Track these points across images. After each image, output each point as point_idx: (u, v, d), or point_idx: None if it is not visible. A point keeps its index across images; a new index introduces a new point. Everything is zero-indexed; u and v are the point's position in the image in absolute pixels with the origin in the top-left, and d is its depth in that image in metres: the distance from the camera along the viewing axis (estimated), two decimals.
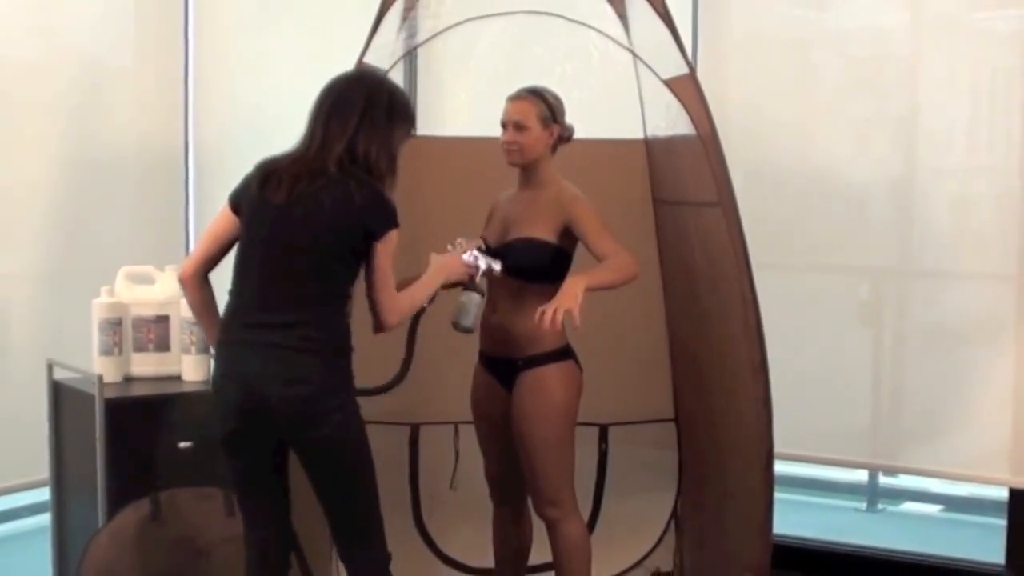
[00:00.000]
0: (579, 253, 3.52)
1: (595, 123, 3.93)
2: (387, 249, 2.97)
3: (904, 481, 5.75)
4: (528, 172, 3.57)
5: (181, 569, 3.58)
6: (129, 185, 4.54)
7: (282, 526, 3.14)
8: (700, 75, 4.39)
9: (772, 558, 3.45)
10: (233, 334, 3.00)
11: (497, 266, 3.39)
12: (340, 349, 3.01)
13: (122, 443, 3.64)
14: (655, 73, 3.73)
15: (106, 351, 3.85)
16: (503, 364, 3.56)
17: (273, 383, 2.91)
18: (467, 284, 3.38)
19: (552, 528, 3.56)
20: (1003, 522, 4.37)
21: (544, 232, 3.48)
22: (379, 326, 3.04)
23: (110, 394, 3.68)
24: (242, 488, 3.10)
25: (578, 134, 3.61)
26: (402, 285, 3.13)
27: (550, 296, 3.23)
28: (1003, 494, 4.37)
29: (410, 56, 4.65)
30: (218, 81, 4.81)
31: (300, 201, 2.94)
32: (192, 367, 3.89)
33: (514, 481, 3.65)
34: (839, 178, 4.53)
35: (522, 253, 3.49)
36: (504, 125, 3.54)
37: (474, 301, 3.38)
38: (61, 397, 3.88)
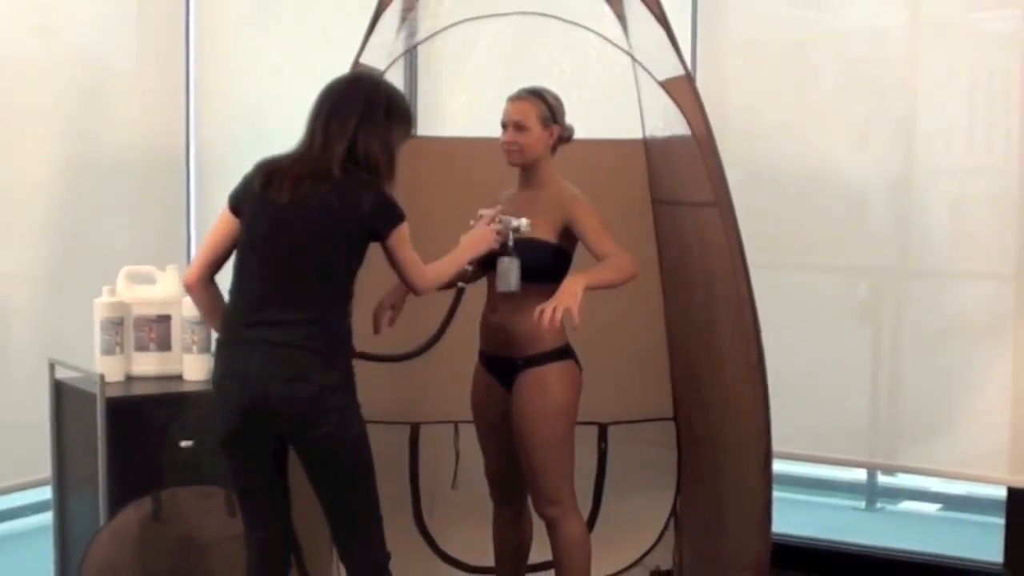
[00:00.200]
0: (579, 253, 3.53)
1: (594, 123, 3.94)
2: (403, 241, 3.05)
3: (903, 480, 5.76)
4: (528, 172, 3.58)
5: (182, 568, 3.59)
6: (131, 185, 4.54)
7: (282, 525, 3.15)
8: (699, 76, 4.42)
9: (771, 557, 3.45)
10: (235, 333, 3.01)
11: (525, 224, 3.41)
12: (342, 349, 3.02)
13: (123, 442, 3.64)
14: (651, 74, 3.74)
15: (108, 350, 3.86)
16: (503, 363, 3.57)
17: (275, 382, 2.93)
18: (501, 251, 3.40)
19: (552, 527, 3.56)
20: (1001, 521, 4.37)
21: (544, 232, 3.48)
22: (417, 292, 3.18)
23: (112, 393, 3.69)
24: (242, 487, 3.11)
25: (578, 134, 3.62)
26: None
27: (550, 296, 3.24)
28: (1001, 493, 4.38)
29: (410, 57, 4.66)
30: (219, 82, 4.80)
31: (305, 201, 2.96)
32: (193, 366, 3.89)
33: (514, 480, 3.66)
34: (838, 178, 4.54)
35: (522, 253, 3.49)
36: (504, 125, 3.54)
37: (508, 265, 3.41)
38: (63, 396, 3.88)
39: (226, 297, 3.09)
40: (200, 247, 3.17)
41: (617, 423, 4.32)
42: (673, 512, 4.34)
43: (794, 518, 4.83)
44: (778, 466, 3.59)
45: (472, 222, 3.41)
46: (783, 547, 3.90)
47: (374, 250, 3.07)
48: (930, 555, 4.61)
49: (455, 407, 3.90)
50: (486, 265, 3.57)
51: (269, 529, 3.12)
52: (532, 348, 3.50)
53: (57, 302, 4.23)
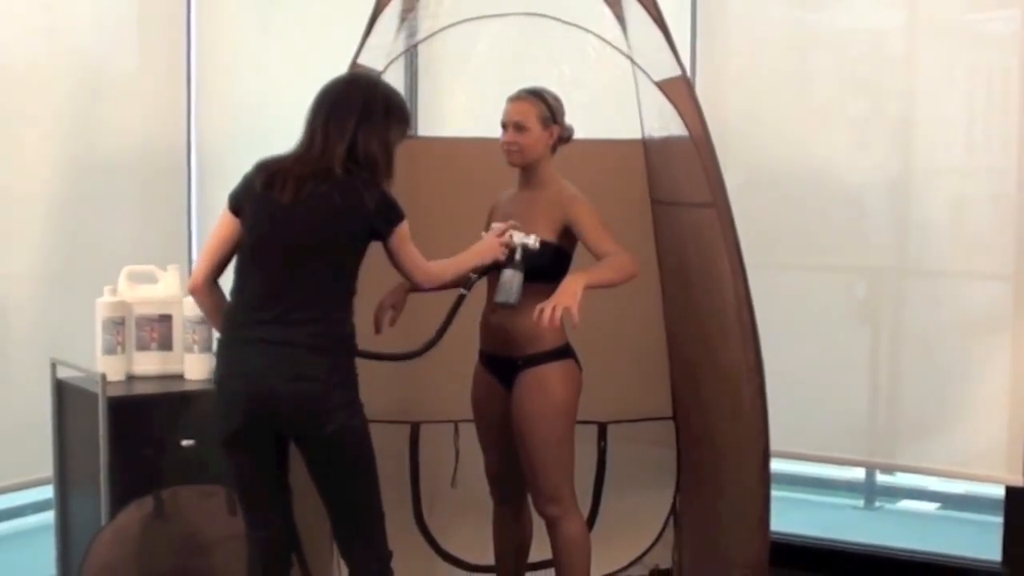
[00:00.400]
0: (579, 252, 3.54)
1: (594, 124, 3.95)
2: (404, 239, 3.08)
3: (901, 479, 5.76)
4: (528, 172, 3.59)
5: (184, 566, 3.60)
6: (132, 185, 4.54)
7: (284, 524, 3.15)
8: (699, 76, 4.43)
9: (770, 555, 3.46)
10: (238, 332, 3.02)
11: (533, 241, 3.43)
12: (345, 347, 3.04)
13: (125, 441, 3.65)
14: (647, 75, 3.75)
15: (109, 350, 3.87)
16: (503, 363, 3.58)
17: (279, 380, 2.94)
18: (505, 263, 3.42)
19: (552, 526, 3.57)
20: (999, 519, 4.38)
21: (544, 232, 3.49)
22: (419, 287, 3.24)
23: (113, 393, 3.70)
24: (244, 486, 3.12)
25: (577, 135, 3.63)
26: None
27: (550, 295, 3.25)
28: (999, 492, 4.38)
29: (410, 57, 4.66)
30: (220, 82, 4.80)
31: (308, 201, 2.97)
32: (195, 366, 3.90)
33: (514, 479, 3.67)
34: (837, 178, 4.54)
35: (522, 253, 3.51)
36: (504, 126, 3.55)
37: (511, 277, 3.42)
38: (64, 395, 3.89)
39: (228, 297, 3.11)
40: (202, 250, 3.17)
41: (617, 422, 4.33)
42: (672, 511, 4.35)
43: (793, 517, 4.85)
44: (777, 465, 3.60)
45: (483, 234, 3.45)
46: (782, 546, 3.91)
47: (373, 250, 3.08)
48: (929, 554, 4.61)
49: (455, 406, 3.91)
50: (491, 268, 3.59)
51: (270, 528, 3.13)
52: (532, 347, 3.50)
53: (59, 302, 4.24)
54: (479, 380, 3.69)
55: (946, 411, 4.42)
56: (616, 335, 4.20)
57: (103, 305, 3.88)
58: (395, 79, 4.25)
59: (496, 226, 3.46)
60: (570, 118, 3.60)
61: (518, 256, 3.42)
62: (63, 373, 3.91)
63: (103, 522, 3.62)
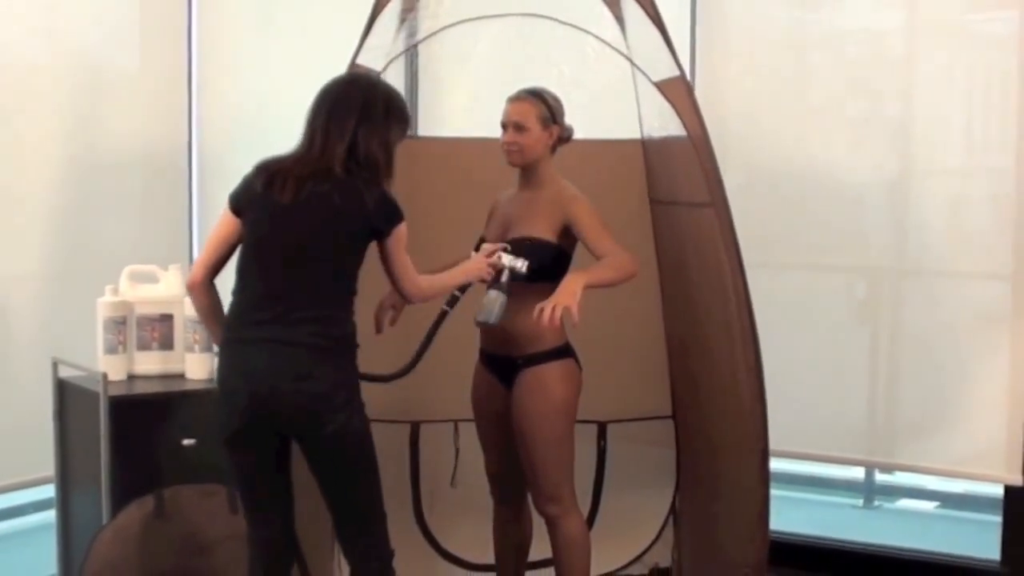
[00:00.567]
0: (579, 252, 3.55)
1: (593, 124, 3.95)
2: (400, 241, 3.08)
3: (900, 478, 5.76)
4: (528, 172, 3.59)
5: (185, 565, 3.61)
6: (133, 185, 4.54)
7: (285, 524, 3.15)
8: (698, 77, 4.43)
9: (769, 554, 3.46)
10: (240, 332, 3.02)
11: (521, 265, 3.42)
12: (347, 346, 3.04)
13: (126, 440, 3.66)
14: (646, 75, 3.75)
15: (110, 349, 3.87)
16: (503, 362, 3.58)
17: (282, 380, 2.94)
18: (492, 283, 3.42)
19: (552, 524, 3.58)
20: (998, 519, 4.39)
21: (544, 231, 3.50)
22: (406, 298, 3.21)
23: (114, 392, 3.70)
24: (246, 485, 3.12)
25: (577, 135, 3.63)
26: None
27: (549, 295, 3.26)
28: (998, 491, 4.40)
29: (410, 57, 4.67)
30: (221, 83, 4.80)
31: (308, 201, 2.98)
32: (196, 365, 3.91)
33: (514, 478, 3.68)
34: (836, 179, 4.55)
35: (522, 252, 3.50)
36: (504, 126, 3.56)
37: (494, 298, 3.42)
38: (66, 395, 3.90)
39: (225, 300, 3.11)
40: (202, 249, 3.18)
41: (616, 421, 4.33)
42: (672, 510, 4.36)
43: (792, 516, 4.84)
44: (776, 464, 3.61)
45: (474, 253, 3.45)
46: (781, 545, 3.91)
47: (373, 249, 3.09)
48: (928, 553, 4.62)
49: (455, 405, 3.92)
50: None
51: (271, 528, 3.13)
52: (532, 347, 3.51)
53: (60, 301, 4.24)
54: (479, 379, 3.70)
55: (945, 410, 4.43)
56: (616, 335, 4.21)
57: (104, 305, 3.89)
58: (395, 79, 4.25)
59: (486, 246, 3.47)
60: (570, 118, 3.60)
61: (504, 278, 3.42)
62: (64, 372, 3.91)
63: (104, 521, 3.63)
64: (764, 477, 3.42)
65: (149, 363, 3.96)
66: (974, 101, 4.52)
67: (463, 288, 3.52)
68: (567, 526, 3.57)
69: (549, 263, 3.49)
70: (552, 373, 3.52)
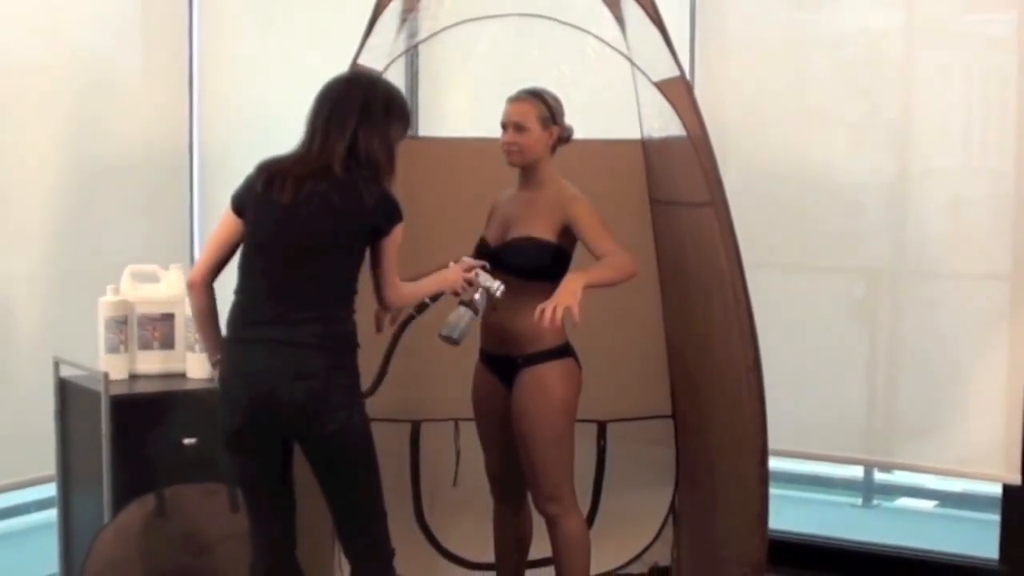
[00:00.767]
0: (579, 252, 3.56)
1: (593, 124, 3.96)
2: (394, 242, 3.06)
3: (899, 477, 5.77)
4: (528, 172, 3.60)
5: (185, 564, 3.61)
6: (135, 185, 4.54)
7: (287, 522, 3.14)
8: (697, 77, 4.44)
9: (769, 553, 3.47)
10: (240, 331, 3.03)
11: (496, 288, 3.42)
12: (347, 346, 3.04)
13: (127, 439, 3.66)
14: (646, 76, 3.76)
15: (112, 349, 3.88)
16: (503, 362, 3.59)
17: (281, 379, 2.95)
18: (463, 300, 3.43)
19: (552, 524, 3.59)
20: (997, 518, 4.40)
21: (544, 231, 3.51)
22: (384, 304, 3.18)
23: (116, 391, 3.71)
24: (247, 485, 3.11)
25: (577, 135, 3.64)
26: (405, 279, 3.22)
27: (550, 295, 3.26)
28: (997, 490, 4.40)
29: (411, 58, 4.67)
30: (223, 82, 4.80)
31: (308, 200, 2.98)
32: (197, 364, 3.90)
33: (514, 477, 3.68)
34: (835, 179, 4.55)
35: (522, 252, 3.52)
36: (504, 126, 3.56)
37: (462, 315, 3.42)
38: (67, 394, 3.91)
39: (227, 299, 3.12)
40: (204, 248, 3.19)
41: (616, 421, 4.34)
42: (671, 509, 4.36)
43: (791, 515, 4.85)
44: (775, 463, 3.62)
45: (452, 263, 3.43)
46: (780, 543, 3.93)
47: None
48: (926, 552, 4.62)
49: (456, 405, 3.93)
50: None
51: (273, 527, 3.12)
52: (532, 346, 3.52)
53: (62, 301, 4.25)
54: (479, 379, 3.71)
55: (944, 410, 4.43)
56: (615, 334, 4.21)
57: (106, 304, 3.90)
58: (395, 79, 4.25)
59: (467, 260, 3.45)
60: (569, 118, 3.61)
61: (478, 296, 3.41)
62: (66, 372, 3.92)
63: (105, 520, 3.63)
64: (763, 476, 3.43)
65: (150, 362, 3.97)
66: (973, 102, 4.53)
67: (435, 296, 3.51)
68: (567, 525, 3.58)
69: (549, 263, 3.50)
70: (552, 373, 3.53)
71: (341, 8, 4.61)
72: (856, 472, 5.77)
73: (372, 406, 3.11)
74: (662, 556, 4.36)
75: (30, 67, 4.23)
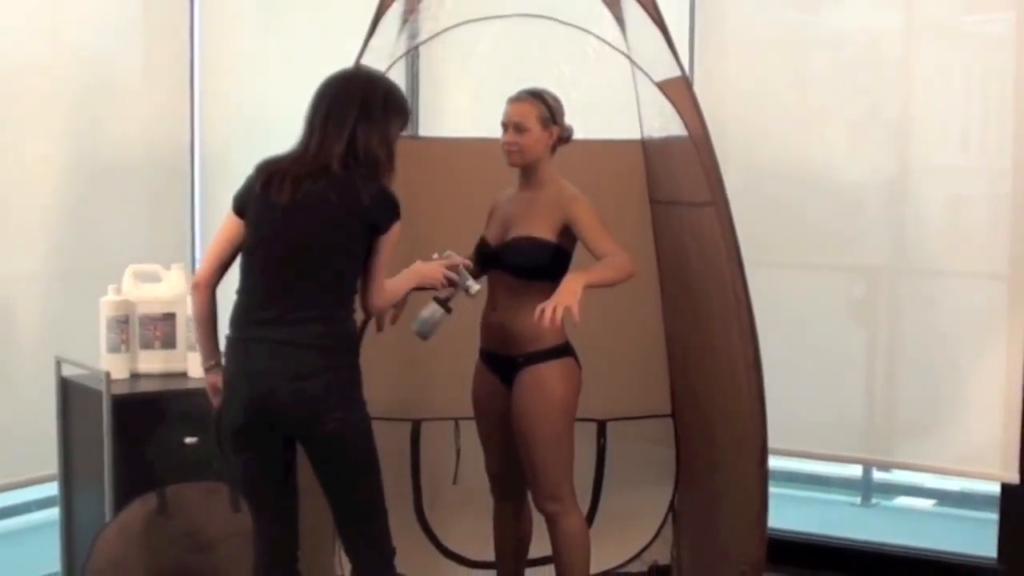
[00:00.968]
0: (579, 252, 3.56)
1: (593, 124, 3.96)
2: (390, 240, 3.05)
3: (898, 476, 5.79)
4: (528, 172, 3.60)
5: (187, 563, 3.62)
6: (136, 185, 4.55)
7: (290, 521, 3.14)
8: (697, 76, 4.44)
9: (768, 552, 3.48)
10: (243, 331, 3.03)
11: (473, 286, 3.43)
12: (348, 345, 3.05)
13: (129, 438, 3.68)
14: (648, 76, 3.77)
15: (113, 348, 3.90)
16: (503, 361, 3.60)
17: (281, 379, 2.95)
18: (437, 296, 3.43)
19: (552, 522, 3.59)
20: (995, 516, 4.41)
21: (544, 231, 3.52)
22: (367, 308, 3.13)
23: (117, 390, 3.73)
24: (250, 483, 3.12)
25: (577, 135, 3.64)
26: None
27: (550, 294, 3.26)
28: (995, 489, 4.41)
29: (411, 58, 4.68)
30: (224, 82, 4.80)
31: (305, 200, 2.98)
32: (198, 364, 3.86)
33: (514, 476, 3.69)
34: (834, 178, 4.56)
35: (522, 252, 3.53)
36: (504, 126, 3.57)
37: (435, 312, 3.43)
38: (69, 393, 3.92)
39: (230, 299, 3.13)
40: (207, 250, 3.18)
41: (616, 420, 4.35)
42: (671, 508, 4.37)
43: (790, 514, 4.86)
44: (774, 462, 3.62)
45: (435, 255, 3.41)
46: (779, 542, 3.94)
47: None
48: (925, 550, 4.63)
49: (456, 404, 3.93)
50: (484, 265, 3.62)
51: (276, 525, 3.12)
52: (532, 346, 3.52)
53: (63, 300, 4.25)
54: (479, 378, 3.71)
55: (942, 409, 4.44)
56: (615, 334, 4.22)
57: (107, 304, 3.91)
58: (396, 80, 4.25)
59: (452, 255, 3.44)
60: (570, 118, 3.61)
61: (454, 294, 3.41)
62: (68, 371, 3.93)
63: (107, 519, 3.65)
64: (763, 475, 3.43)
65: (152, 362, 3.98)
66: (971, 102, 4.53)
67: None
68: (567, 524, 3.58)
69: (549, 262, 3.50)
70: (552, 372, 3.54)
71: (342, 8, 4.61)
72: (855, 471, 5.78)
73: (372, 405, 3.11)
74: (662, 555, 4.36)
75: (31, 67, 4.23)
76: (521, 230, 3.55)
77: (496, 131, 3.60)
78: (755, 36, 4.70)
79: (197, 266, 3.17)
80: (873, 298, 4.67)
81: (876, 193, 4.53)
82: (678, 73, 3.62)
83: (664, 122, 3.84)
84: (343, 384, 3.01)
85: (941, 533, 5.26)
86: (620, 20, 4.03)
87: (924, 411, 4.50)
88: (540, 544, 3.77)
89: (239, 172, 3.14)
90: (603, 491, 4.39)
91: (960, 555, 4.56)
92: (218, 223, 3.16)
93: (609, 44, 3.84)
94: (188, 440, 3.72)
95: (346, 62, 3.54)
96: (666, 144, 4.03)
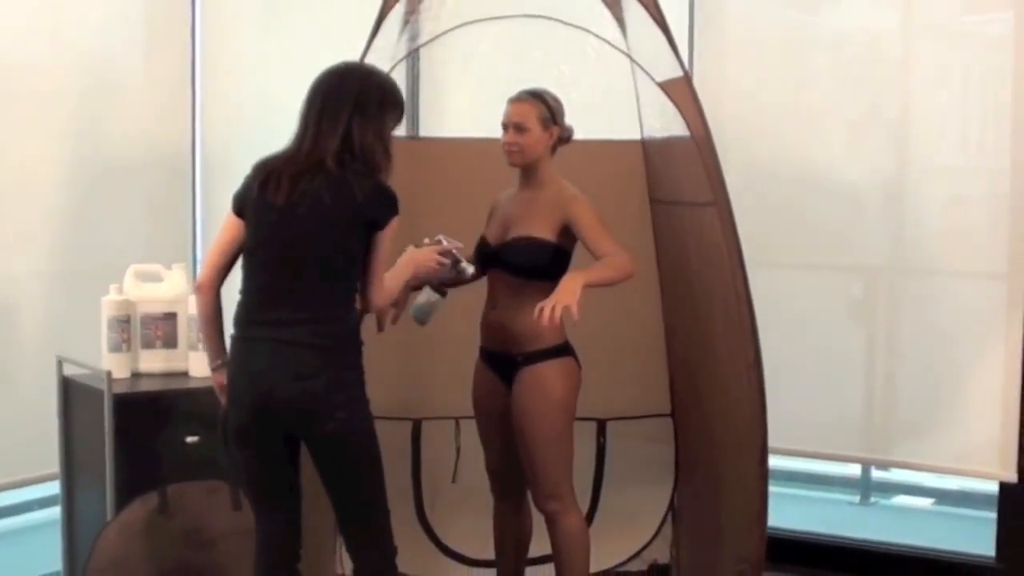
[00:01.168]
0: (579, 251, 3.57)
1: (594, 124, 3.97)
2: (388, 236, 3.03)
3: (896, 475, 5.79)
4: (528, 172, 3.61)
5: (188, 561, 3.63)
6: (137, 184, 4.55)
7: (292, 519, 3.15)
8: (696, 76, 4.44)
9: (767, 550, 3.49)
10: (246, 331, 3.04)
11: (467, 269, 3.44)
12: (349, 344, 3.05)
13: (130, 438, 3.68)
14: (650, 76, 3.77)
15: (115, 348, 3.90)
16: (503, 360, 3.61)
17: (282, 379, 2.96)
18: (433, 284, 3.43)
19: (551, 521, 3.60)
20: (993, 515, 4.42)
21: (543, 231, 3.52)
22: (368, 305, 3.11)
23: (119, 390, 3.73)
24: (254, 481, 3.12)
25: (577, 135, 3.65)
26: None
27: (549, 294, 3.26)
28: (993, 487, 4.42)
29: (412, 59, 4.68)
30: (226, 82, 4.80)
31: (301, 200, 2.97)
32: (199, 363, 3.88)
33: (514, 475, 3.70)
34: (833, 178, 4.57)
35: (522, 251, 3.54)
36: (505, 126, 3.58)
37: (431, 298, 3.44)
38: (71, 393, 3.92)
39: (233, 298, 3.14)
40: (209, 251, 3.18)
41: (615, 419, 4.36)
42: (671, 507, 4.38)
43: (790, 512, 4.87)
44: (774, 461, 3.63)
45: (426, 240, 3.39)
46: (779, 541, 3.95)
47: None
48: (923, 549, 4.64)
49: (456, 403, 3.94)
50: (484, 265, 3.63)
51: (279, 523, 3.13)
52: (532, 345, 3.53)
53: (65, 300, 4.25)
54: (480, 377, 3.72)
55: (941, 408, 4.45)
56: (615, 333, 4.23)
57: (109, 303, 3.92)
58: (397, 80, 4.26)
59: (442, 239, 3.41)
60: (570, 119, 3.62)
61: (446, 277, 3.40)
62: (69, 370, 3.94)
63: (108, 517, 3.65)
64: (763, 474, 3.44)
65: (153, 361, 3.99)
66: (970, 101, 4.54)
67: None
68: (567, 522, 3.59)
69: (548, 262, 3.51)
70: (551, 371, 3.54)
71: (344, 8, 4.62)
72: (854, 470, 5.78)
73: (373, 404, 3.11)
74: (661, 553, 4.37)
75: (33, 68, 4.23)
76: (521, 230, 3.56)
77: (496, 131, 3.61)
78: (754, 36, 4.71)
79: (198, 266, 3.17)
80: (872, 297, 4.68)
81: (875, 193, 4.54)
82: (679, 73, 3.62)
83: (666, 122, 3.85)
84: (344, 383, 3.01)
85: (940, 532, 5.26)
86: (620, 21, 4.04)
87: (923, 410, 4.51)
88: (540, 543, 3.78)
89: (240, 172, 3.14)
90: (603, 490, 4.39)
91: (959, 554, 4.56)
92: (219, 223, 3.17)
93: (611, 44, 3.84)
94: (189, 439, 3.73)
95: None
96: (667, 144, 4.03)
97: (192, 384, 3.91)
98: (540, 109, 3.56)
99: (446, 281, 3.46)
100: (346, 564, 3.36)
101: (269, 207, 3.00)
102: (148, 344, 3.99)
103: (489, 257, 3.62)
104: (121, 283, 3.97)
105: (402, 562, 3.20)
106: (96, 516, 3.72)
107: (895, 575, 4.59)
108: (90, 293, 4.00)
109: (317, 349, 2.98)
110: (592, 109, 4.02)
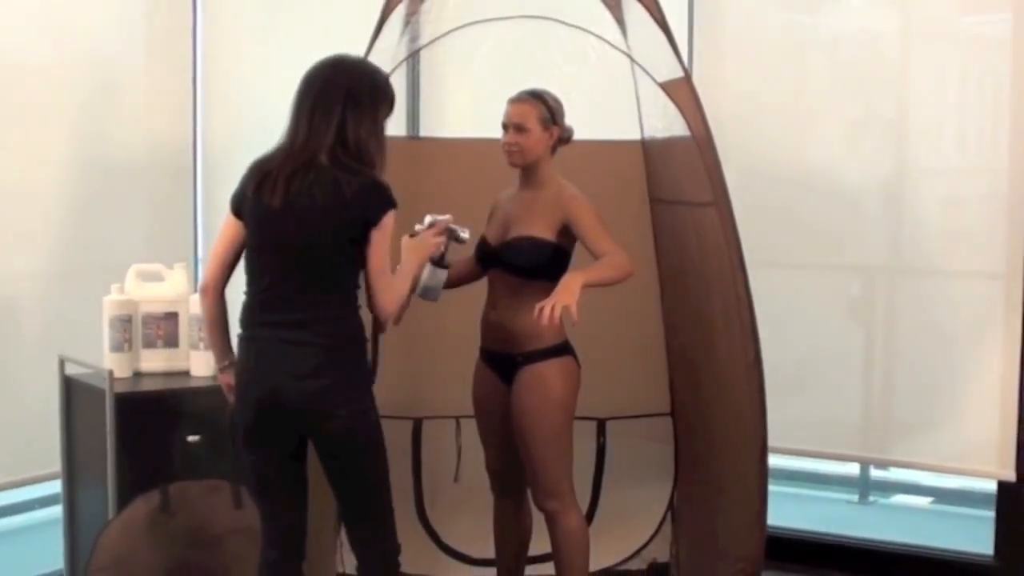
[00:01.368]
0: (579, 251, 3.58)
1: (593, 124, 3.97)
2: (384, 232, 2.99)
3: (895, 474, 5.78)
4: (528, 172, 3.62)
5: (190, 560, 3.63)
6: (139, 184, 4.55)
7: (298, 518, 3.15)
8: (696, 77, 4.45)
9: (766, 549, 3.50)
10: (251, 330, 3.05)
11: (463, 235, 3.40)
12: (352, 343, 3.04)
13: (132, 437, 3.69)
14: (651, 76, 3.78)
15: (116, 347, 3.91)
16: (503, 360, 3.61)
17: (287, 379, 2.96)
18: (434, 260, 3.42)
19: (551, 520, 3.61)
20: (991, 514, 4.43)
21: (543, 231, 3.53)
22: (377, 312, 3.05)
23: (120, 389, 3.74)
24: (260, 480, 3.11)
25: (577, 135, 3.65)
26: None
27: (549, 293, 3.27)
28: (991, 486, 4.43)
29: (413, 59, 4.69)
30: (227, 82, 4.80)
31: (295, 201, 2.96)
32: (200, 363, 3.93)
33: (514, 474, 3.71)
34: (832, 178, 4.58)
35: (522, 251, 3.54)
36: (505, 127, 3.58)
37: (436, 273, 3.42)
38: (72, 392, 3.93)
39: (238, 298, 3.14)
40: (210, 253, 3.18)
41: (615, 418, 4.37)
42: (670, 505, 4.38)
43: (789, 511, 4.87)
44: (773, 460, 3.64)
45: (417, 226, 3.36)
46: (778, 540, 3.97)
47: None
48: (922, 547, 4.65)
49: (457, 402, 3.95)
50: (485, 264, 3.64)
51: (284, 521, 3.13)
52: (531, 344, 3.54)
53: (67, 300, 4.25)
54: (480, 377, 3.73)
55: (939, 407, 4.46)
56: (615, 333, 4.23)
57: (110, 303, 3.92)
58: (397, 80, 4.26)
59: (433, 219, 3.36)
60: (570, 119, 3.63)
61: (445, 253, 3.38)
62: (71, 370, 3.94)
63: (110, 516, 3.66)
64: (762, 473, 3.45)
65: (154, 360, 3.99)
66: (968, 102, 4.55)
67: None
68: (566, 521, 3.60)
69: (548, 261, 3.52)
70: (551, 370, 3.55)
71: (345, 8, 4.62)
72: (852, 469, 5.79)
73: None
74: (661, 552, 4.38)
75: (35, 68, 4.23)
76: (521, 230, 3.57)
77: (496, 131, 3.61)
78: (753, 37, 4.71)
79: (200, 265, 3.17)
80: (871, 297, 4.69)
81: (874, 193, 4.55)
82: (680, 74, 3.63)
83: (667, 123, 3.85)
84: (348, 382, 3.02)
85: (938, 530, 5.25)
86: (621, 22, 4.05)
87: (921, 409, 4.52)
88: (540, 542, 3.78)
89: (241, 172, 3.14)
90: (602, 489, 4.40)
91: (957, 552, 4.57)
92: (220, 223, 3.17)
93: (611, 45, 3.85)
94: (191, 438, 3.74)
95: None
96: (668, 144, 4.04)
97: (194, 383, 3.92)
98: (540, 109, 3.56)
99: (444, 251, 3.42)
100: (347, 562, 3.36)
101: (265, 209, 3.00)
102: (150, 343, 3.99)
103: (489, 257, 3.63)
104: (123, 283, 3.98)
105: (403, 561, 3.20)
106: (98, 515, 3.73)
107: (894, 574, 4.60)
108: (92, 292, 4.00)
109: (322, 348, 2.99)
110: (592, 109, 4.03)
